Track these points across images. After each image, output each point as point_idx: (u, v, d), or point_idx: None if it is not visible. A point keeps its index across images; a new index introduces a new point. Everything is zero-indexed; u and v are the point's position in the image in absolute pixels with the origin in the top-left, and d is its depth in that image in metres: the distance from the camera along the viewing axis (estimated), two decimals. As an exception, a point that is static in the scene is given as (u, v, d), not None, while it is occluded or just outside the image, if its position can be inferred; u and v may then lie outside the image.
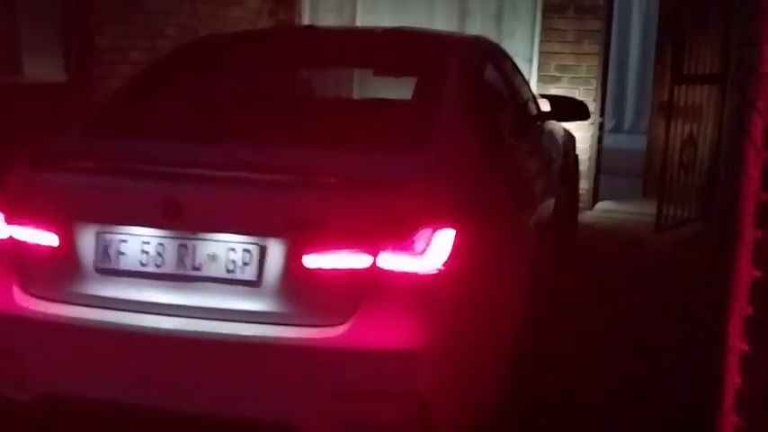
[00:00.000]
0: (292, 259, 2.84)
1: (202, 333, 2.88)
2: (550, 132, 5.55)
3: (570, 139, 6.29)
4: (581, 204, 7.74)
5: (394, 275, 2.81)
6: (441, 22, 8.22)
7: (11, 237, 3.08)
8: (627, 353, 4.47)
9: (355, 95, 6.80)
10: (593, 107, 7.73)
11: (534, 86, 7.78)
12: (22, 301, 3.06)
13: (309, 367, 2.84)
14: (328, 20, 8.41)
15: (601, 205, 8.09)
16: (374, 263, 2.80)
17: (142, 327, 2.93)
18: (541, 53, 7.84)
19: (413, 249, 2.82)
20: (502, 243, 3.27)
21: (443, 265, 2.83)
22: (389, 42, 4.08)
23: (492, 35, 7.95)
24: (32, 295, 3.06)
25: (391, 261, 2.81)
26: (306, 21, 8.40)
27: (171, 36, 6.99)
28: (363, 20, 8.38)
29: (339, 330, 2.82)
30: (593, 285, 5.66)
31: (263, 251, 2.86)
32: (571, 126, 7.25)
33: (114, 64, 6.45)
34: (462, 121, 3.43)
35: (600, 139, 8.04)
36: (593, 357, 4.39)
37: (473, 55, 4.04)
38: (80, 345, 3.00)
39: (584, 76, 7.72)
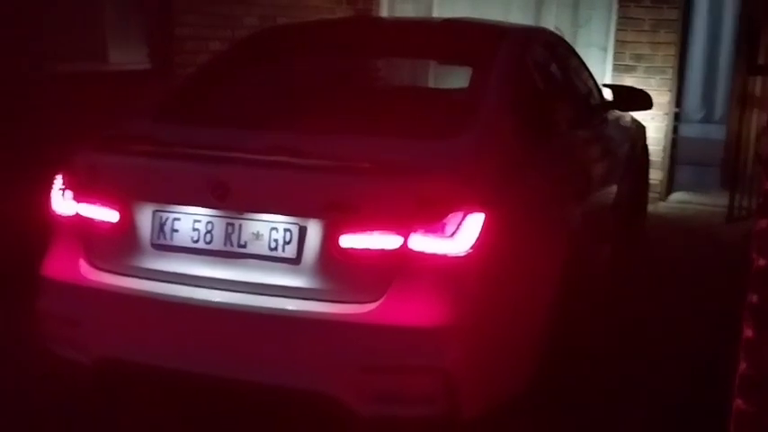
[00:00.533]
0: (329, 239, 3.02)
1: (246, 306, 3.09)
2: (617, 122, 5.59)
3: (639, 129, 6.30)
4: (655, 195, 7.73)
5: (424, 257, 2.97)
6: (517, 9, 8.29)
7: (77, 213, 3.34)
8: (670, 347, 4.45)
9: (431, 84, 6.96)
10: (667, 97, 7.71)
11: (609, 75, 7.80)
12: (86, 272, 3.33)
13: (343, 341, 3.01)
14: (405, 9, 8.56)
15: (675, 196, 8.04)
16: (406, 244, 2.96)
17: (192, 299, 3.16)
18: (617, 42, 7.83)
19: (443, 232, 2.96)
20: (534, 229, 3.38)
21: (472, 247, 2.97)
22: (443, 34, 4.22)
23: (567, 24, 8.01)
24: (96, 267, 3.33)
25: (422, 243, 2.96)
26: (383, 10, 8.57)
27: (250, 26, 7.23)
28: (440, 8, 8.51)
29: (371, 307, 2.99)
30: (652, 274, 5.68)
31: (302, 231, 3.06)
32: (645, 116, 7.26)
33: (195, 53, 6.73)
34: (504, 111, 3.56)
35: (675, 130, 7.98)
36: (631, 347, 4.41)
37: (523, 46, 4.14)
38: (136, 314, 3.25)
39: (659, 65, 7.69)
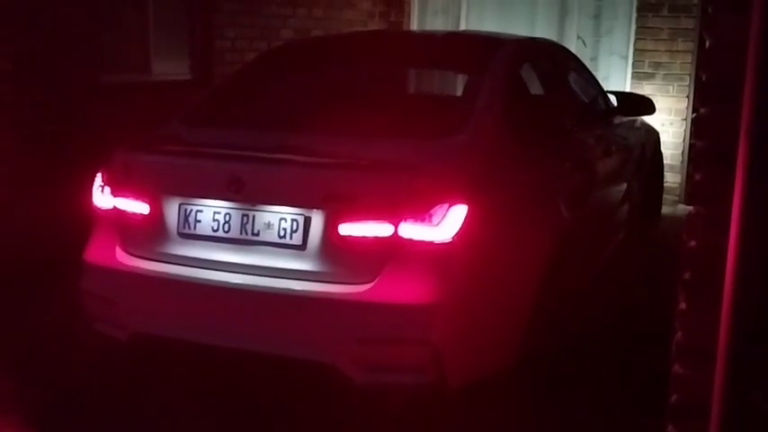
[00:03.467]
0: (330, 228, 3.43)
1: (259, 287, 3.51)
2: (626, 126, 5.91)
3: (650, 133, 6.60)
4: (673, 198, 8.00)
5: (413, 243, 3.36)
6: (542, 20, 8.65)
7: (114, 206, 3.80)
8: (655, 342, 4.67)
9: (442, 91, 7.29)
10: (685, 103, 7.99)
11: (628, 83, 8.11)
12: (122, 258, 3.79)
13: (342, 317, 3.42)
14: (435, 21, 8.98)
15: (695, 199, 8.26)
16: (397, 232, 3.36)
17: (213, 280, 3.59)
18: (636, 50, 8.14)
19: (429, 221, 3.36)
20: (517, 220, 3.75)
21: (456, 235, 3.36)
22: (446, 45, 4.62)
23: (589, 34, 8.35)
24: (130, 254, 3.78)
25: (411, 231, 3.36)
26: (414, 22, 8.99)
27: (286, 38, 7.68)
28: (469, 20, 8.90)
29: (367, 287, 3.39)
30: (656, 275, 5.95)
31: (307, 221, 3.47)
32: (664, 122, 7.57)
33: (233, 63, 7.21)
34: (494, 114, 3.94)
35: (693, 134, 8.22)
36: (615, 341, 4.68)
37: (517, 55, 4.52)
38: (165, 294, 3.70)
39: (677, 72, 7.98)
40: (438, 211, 3.36)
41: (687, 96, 7.97)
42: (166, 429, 3.69)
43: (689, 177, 8.26)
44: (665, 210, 7.41)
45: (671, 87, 7.96)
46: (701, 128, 2.67)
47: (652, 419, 3.31)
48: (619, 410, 3.92)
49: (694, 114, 8.18)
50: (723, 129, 2.59)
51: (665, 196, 7.40)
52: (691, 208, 2.74)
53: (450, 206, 3.37)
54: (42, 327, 4.64)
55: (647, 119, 6.44)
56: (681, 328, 2.76)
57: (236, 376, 3.98)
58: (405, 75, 5.31)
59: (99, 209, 3.88)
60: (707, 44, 2.62)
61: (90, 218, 3.96)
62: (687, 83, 7.95)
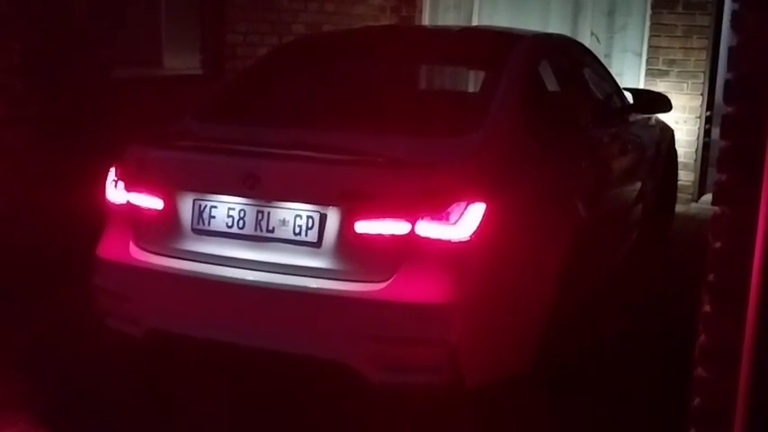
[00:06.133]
0: (346, 225, 3.39)
1: (274, 284, 3.47)
2: (641, 124, 5.87)
3: (665, 131, 6.54)
4: (687, 196, 7.96)
5: (430, 242, 3.32)
6: (555, 16, 8.60)
7: (128, 201, 3.77)
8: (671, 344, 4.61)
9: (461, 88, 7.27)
10: (699, 101, 7.94)
11: (642, 80, 8.05)
12: (136, 253, 3.75)
13: (358, 315, 3.38)
14: (447, 16, 8.92)
15: (708, 197, 8.23)
16: (413, 230, 3.32)
17: (228, 277, 3.55)
18: (650, 47, 8.09)
19: (447, 220, 3.31)
20: (535, 218, 3.71)
21: (473, 234, 3.32)
22: (462, 41, 4.57)
23: (603, 30, 8.30)
24: (144, 249, 3.74)
25: (428, 229, 3.31)
26: (425, 18, 8.94)
27: (297, 33, 7.66)
28: (481, 16, 8.85)
29: (382, 286, 3.35)
30: (671, 274, 5.93)
31: (323, 218, 3.43)
32: (678, 119, 7.51)
33: (245, 58, 7.19)
34: (512, 111, 3.89)
35: (708, 133, 8.19)
36: (629, 338, 4.67)
37: (534, 52, 4.47)
38: (179, 291, 3.66)
39: (691, 70, 7.93)
40: (456, 209, 3.32)
41: (701, 94, 7.92)
42: (177, 428, 3.66)
43: (702, 175, 8.24)
44: (679, 208, 7.37)
45: (685, 85, 7.91)
46: (727, 127, 2.62)
47: (669, 422, 3.30)
48: (633, 411, 3.88)
49: (708, 112, 8.17)
50: (749, 128, 2.55)
51: (678, 195, 7.35)
52: (716, 208, 2.68)
53: (467, 204, 3.32)
54: (54, 322, 4.62)
55: (663, 116, 6.39)
56: (704, 330, 2.71)
57: (250, 374, 3.95)
58: (420, 71, 5.26)
59: (112, 204, 3.85)
60: (734, 42, 2.58)
61: (103, 213, 3.93)
62: (701, 80, 7.90)
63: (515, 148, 3.80)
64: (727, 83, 2.61)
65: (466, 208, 3.32)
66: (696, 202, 8.12)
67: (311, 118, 3.93)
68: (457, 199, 3.32)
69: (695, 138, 8.00)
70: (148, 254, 3.73)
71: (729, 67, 2.60)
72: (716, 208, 2.67)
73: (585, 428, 3.73)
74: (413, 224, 3.32)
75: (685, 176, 7.90)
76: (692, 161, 8.03)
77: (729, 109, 2.60)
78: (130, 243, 3.78)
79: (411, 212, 3.32)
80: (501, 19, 8.67)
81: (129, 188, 3.77)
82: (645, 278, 5.74)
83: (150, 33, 6.61)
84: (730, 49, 2.61)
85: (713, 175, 8.40)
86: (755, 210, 2.52)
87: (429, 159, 3.44)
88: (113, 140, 4.05)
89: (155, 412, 3.77)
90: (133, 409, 3.79)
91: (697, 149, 8.05)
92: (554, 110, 4.45)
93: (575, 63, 5.01)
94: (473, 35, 4.63)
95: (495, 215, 3.36)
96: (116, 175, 3.82)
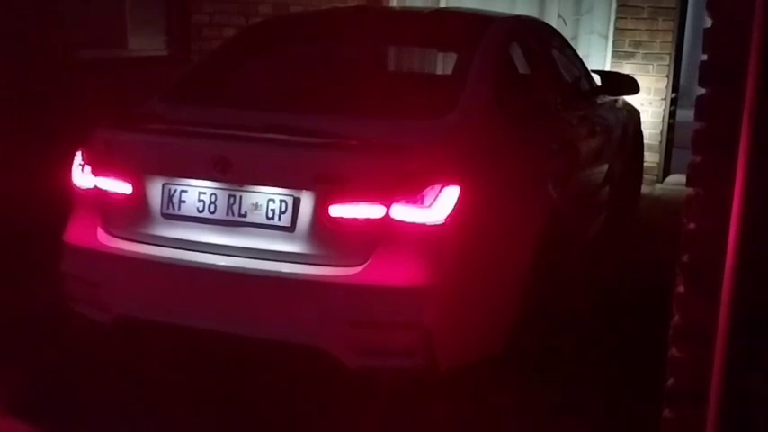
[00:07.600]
0: (320, 209, 3.35)
1: (246, 269, 3.43)
2: (608, 106, 5.88)
3: (631, 113, 6.58)
4: (652, 177, 8.02)
5: (405, 225, 3.30)
6: (522, -1, 8.58)
7: (96, 186, 3.70)
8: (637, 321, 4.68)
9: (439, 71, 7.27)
10: (665, 83, 7.99)
11: (608, 62, 8.08)
12: (104, 239, 3.69)
13: (333, 300, 3.36)
14: (414, -1, 8.87)
15: (672, 179, 8.32)
16: (388, 214, 3.29)
17: (199, 263, 3.51)
18: (616, 29, 8.12)
19: (421, 203, 3.30)
20: (509, 201, 3.71)
21: (448, 217, 3.30)
22: (433, 22, 4.54)
23: (570, 12, 8.30)
24: (112, 235, 3.68)
25: (403, 212, 3.29)
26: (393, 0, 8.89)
27: (264, 14, 7.55)
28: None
29: (357, 270, 3.33)
30: (638, 255, 5.98)
31: (296, 202, 3.40)
32: (643, 101, 7.55)
33: (211, 39, 7.08)
34: (484, 94, 3.88)
35: (672, 114, 8.26)
36: (601, 318, 4.70)
37: (506, 34, 4.45)
38: (148, 277, 3.61)
39: (657, 52, 7.97)
40: (430, 192, 3.30)
41: (667, 76, 7.98)
42: (148, 414, 3.62)
43: (667, 157, 8.32)
44: (644, 189, 7.42)
45: (651, 67, 7.95)
46: (701, 109, 2.63)
47: (643, 403, 3.33)
48: (608, 391, 3.91)
49: (674, 94, 8.23)
50: (724, 110, 2.56)
51: (643, 176, 7.41)
52: (690, 190, 2.69)
53: (442, 187, 3.31)
54: (21, 310, 4.54)
55: (629, 98, 6.42)
56: (678, 311, 2.73)
57: (223, 361, 3.91)
58: (392, 52, 5.23)
59: (79, 189, 3.78)
60: (709, 25, 2.58)
61: (69, 198, 3.86)
62: (667, 62, 7.96)
63: (488, 130, 3.79)
64: (701, 64, 2.61)
65: (440, 191, 3.31)
66: (661, 183, 8.19)
67: (282, 100, 3.89)
68: (431, 182, 3.30)
69: (660, 119, 8.06)
70: (117, 239, 3.67)
71: (704, 50, 2.60)
72: (689, 189, 2.68)
73: (558, 410, 3.74)
74: (387, 207, 3.29)
75: (650, 158, 7.95)
76: (657, 143, 8.09)
77: (704, 91, 2.61)
78: (98, 228, 3.71)
79: (385, 196, 3.29)
80: (468, 1, 8.62)
81: (96, 172, 3.71)
82: (613, 258, 5.78)
83: (114, 14, 6.48)
84: (705, 32, 2.61)
85: (678, 157, 8.52)
86: (730, 191, 2.53)
87: (403, 142, 3.42)
88: (78, 124, 3.97)
89: (124, 399, 3.72)
90: (102, 396, 3.74)
91: (662, 131, 8.11)
92: (525, 92, 4.45)
93: (544, 45, 5.01)
94: (444, 17, 4.61)
95: (470, 198, 3.35)
96: (82, 160, 3.75)
